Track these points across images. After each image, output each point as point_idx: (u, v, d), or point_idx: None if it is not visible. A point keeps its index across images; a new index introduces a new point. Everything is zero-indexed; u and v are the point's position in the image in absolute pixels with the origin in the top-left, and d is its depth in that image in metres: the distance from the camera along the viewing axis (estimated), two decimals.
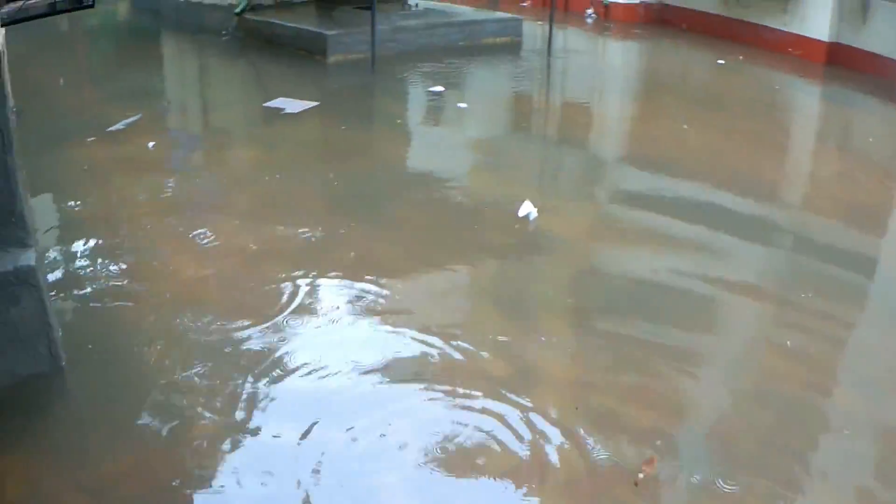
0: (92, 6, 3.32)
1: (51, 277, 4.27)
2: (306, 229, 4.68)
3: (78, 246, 4.66)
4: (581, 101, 8.20)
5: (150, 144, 6.67)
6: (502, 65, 9.65)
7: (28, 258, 3.18)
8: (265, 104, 7.65)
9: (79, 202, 5.51)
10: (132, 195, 5.43)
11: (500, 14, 11.68)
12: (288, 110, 7.36)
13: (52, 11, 3.38)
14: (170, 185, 5.73)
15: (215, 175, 6.07)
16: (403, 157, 6.35)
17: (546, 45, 10.00)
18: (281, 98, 7.74)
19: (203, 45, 12.30)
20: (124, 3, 18.97)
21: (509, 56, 10.05)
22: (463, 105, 7.75)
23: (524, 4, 13.45)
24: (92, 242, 4.65)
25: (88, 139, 7.02)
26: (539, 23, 11.19)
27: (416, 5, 11.31)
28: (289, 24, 10.29)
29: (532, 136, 7.02)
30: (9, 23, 3.30)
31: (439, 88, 8.07)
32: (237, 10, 11.60)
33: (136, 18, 17.43)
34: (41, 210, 5.49)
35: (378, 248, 4.45)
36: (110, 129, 7.22)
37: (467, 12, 11.26)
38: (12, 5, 3.36)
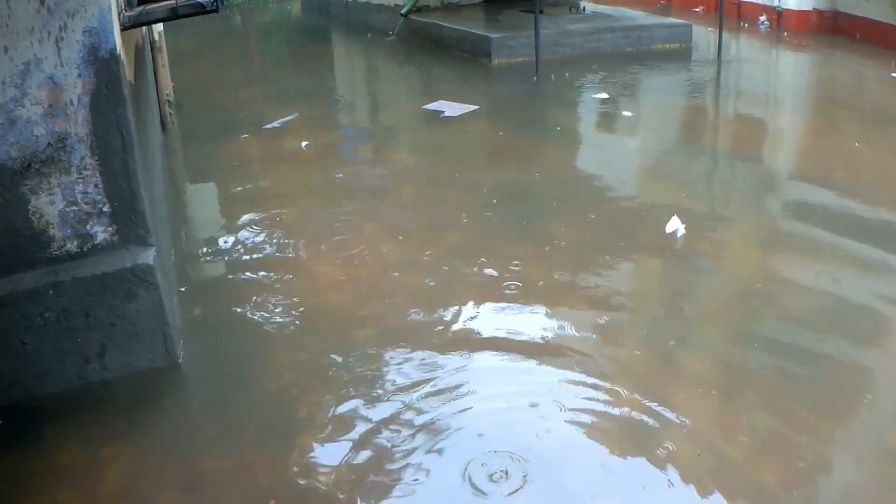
0: (216, 11, 3.30)
1: (187, 270, 4.43)
2: (454, 239, 4.57)
3: (218, 239, 4.81)
4: (749, 113, 7.64)
5: (304, 144, 6.78)
6: (670, 72, 9.20)
7: (147, 256, 3.24)
8: (425, 107, 7.64)
9: (221, 196, 5.74)
10: (276, 193, 5.52)
11: (669, 20, 11.22)
12: (447, 113, 7.29)
13: (174, 16, 3.39)
14: (314, 185, 5.76)
15: (363, 178, 5.99)
16: (559, 166, 6.05)
17: (716, 52, 9.50)
18: (441, 101, 7.70)
19: (369, 44, 12.54)
20: (297, 2, 19.76)
21: (678, 63, 9.59)
22: (628, 113, 7.37)
23: (697, 10, 12.89)
24: (231, 238, 4.76)
25: (243, 136, 7.28)
26: (710, 29, 10.62)
27: (584, 9, 11.05)
28: (453, 27, 10.28)
29: (696, 147, 6.48)
30: (129, 27, 3.34)
31: (604, 95, 7.79)
32: (403, 11, 11.73)
33: (307, 17, 18.09)
34: (186, 202, 5.78)
35: (526, 262, 4.16)
36: (266, 126, 7.45)
37: (636, 17, 10.87)
38: (135, 10, 3.41)
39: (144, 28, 6.99)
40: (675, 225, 4.53)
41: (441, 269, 4.17)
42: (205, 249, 4.77)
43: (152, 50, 7.55)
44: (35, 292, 3.11)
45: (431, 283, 4.01)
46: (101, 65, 3.12)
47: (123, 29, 3.35)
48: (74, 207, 3.19)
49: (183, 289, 4.13)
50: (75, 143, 3.15)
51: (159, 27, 8.58)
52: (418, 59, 10.87)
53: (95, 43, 3.10)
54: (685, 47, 10.03)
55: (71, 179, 3.17)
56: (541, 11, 10.70)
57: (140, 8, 3.43)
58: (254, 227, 4.89)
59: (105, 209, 3.24)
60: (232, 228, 4.94)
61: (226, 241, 4.76)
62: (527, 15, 10.28)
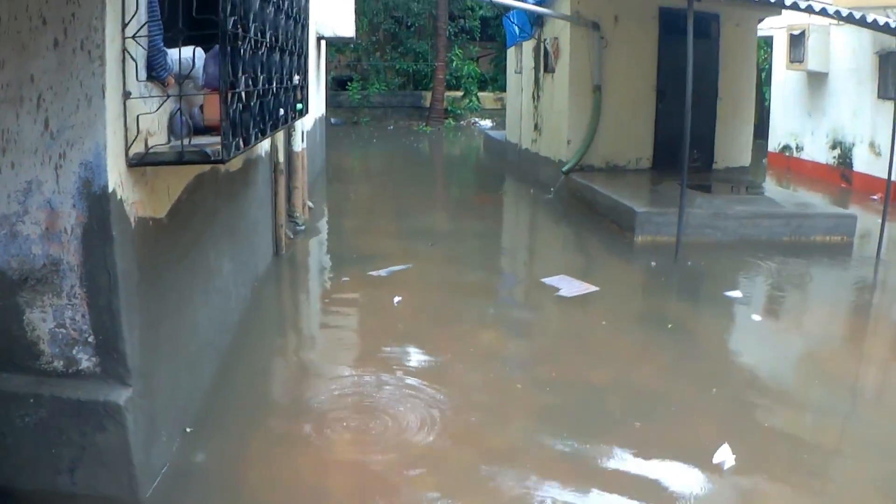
0: (221, 162, 3.36)
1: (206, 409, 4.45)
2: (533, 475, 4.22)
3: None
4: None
5: (396, 300, 6.75)
6: (820, 271, 8.53)
7: (119, 396, 3.34)
8: (543, 280, 7.55)
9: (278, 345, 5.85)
10: (319, 369, 5.54)
11: (834, 209, 10.56)
12: (562, 293, 7.15)
13: (180, 160, 3.46)
14: (380, 354, 5.66)
15: (429, 363, 5.58)
16: (644, 372, 5.46)
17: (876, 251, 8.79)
18: (563, 276, 7.59)
19: (527, 199, 12.77)
20: (482, 139, 20.61)
21: (832, 260, 8.90)
22: (757, 317, 6.86)
23: (874, 197, 12.08)
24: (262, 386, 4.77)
25: (344, 278, 7.47)
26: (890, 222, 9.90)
27: (748, 188, 10.67)
28: (604, 192, 10.23)
29: (823, 378, 5.83)
30: (135, 164, 3.43)
31: (737, 294, 7.35)
32: (564, 168, 11.89)
33: (486, 156, 18.78)
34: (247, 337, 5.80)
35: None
36: (372, 272, 7.58)
37: (801, 203, 10.28)
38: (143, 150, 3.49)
39: (265, 146, 7.24)
40: (723, 455, 4.17)
41: None
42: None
43: (275, 171, 7.88)
44: (18, 395, 3.31)
45: None
46: (94, 200, 3.19)
47: (131, 166, 3.41)
48: (63, 330, 3.33)
49: (189, 430, 4.24)
50: (67, 270, 3.26)
51: (298, 145, 9.08)
52: (565, 224, 10.85)
53: (90, 177, 3.18)
54: (846, 241, 9.36)
55: (62, 303, 3.30)
56: (705, 186, 10.50)
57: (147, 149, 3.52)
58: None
59: (90, 339, 3.35)
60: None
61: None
62: (688, 190, 10.05)
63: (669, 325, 6.51)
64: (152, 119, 3.61)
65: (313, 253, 8.82)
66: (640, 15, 11.90)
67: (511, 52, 16.43)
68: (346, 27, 13.98)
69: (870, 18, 9.09)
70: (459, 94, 26.29)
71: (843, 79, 14.10)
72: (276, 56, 5.14)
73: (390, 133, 24.15)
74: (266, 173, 7.60)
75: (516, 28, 14.93)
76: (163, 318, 3.94)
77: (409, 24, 27.51)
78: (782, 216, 9.41)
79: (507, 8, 14.85)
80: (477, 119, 26.12)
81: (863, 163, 13.44)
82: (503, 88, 21.87)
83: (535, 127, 13.94)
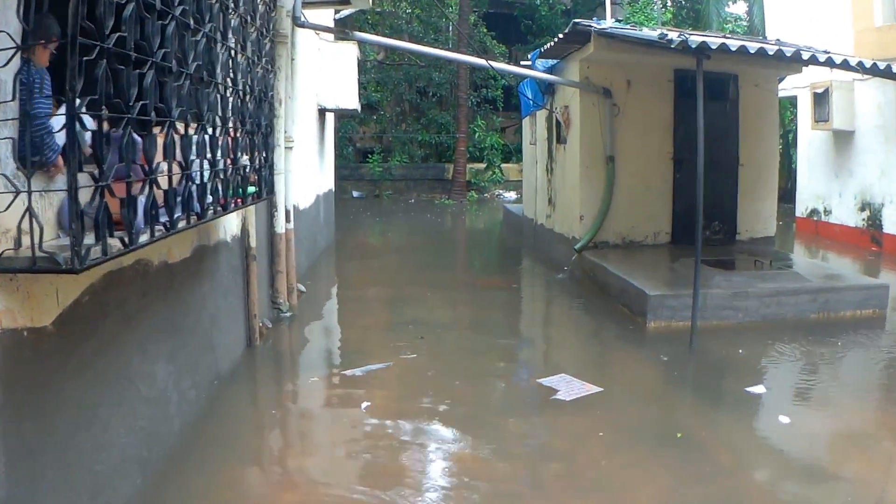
0: (74, 272, 2.83)
1: None
2: None
3: None
4: None
5: (364, 405, 6.15)
6: (853, 352, 7.70)
7: None
8: (540, 380, 6.79)
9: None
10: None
11: (864, 280, 9.71)
12: (560, 396, 6.40)
13: (33, 269, 3.02)
14: (325, 478, 4.94)
15: (374, 499, 4.67)
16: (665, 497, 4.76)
17: None
18: (564, 374, 6.85)
19: (539, 280, 12.07)
20: (501, 213, 20.09)
21: (864, 338, 8.03)
22: (785, 419, 5.91)
23: None
24: None
25: (311, 378, 6.91)
26: None
27: (772, 262, 9.84)
28: (617, 273, 9.49)
29: (868, 485, 5.02)
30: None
31: (760, 390, 6.54)
32: (577, 246, 11.20)
33: (505, 232, 18.18)
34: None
35: None
36: (347, 372, 7.01)
37: (828, 276, 9.45)
38: None
39: (231, 229, 6.91)
40: None
41: None
42: None
43: (246, 257, 7.45)
44: None
45: None
46: None
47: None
48: None
49: None
50: None
51: (281, 226, 8.73)
52: (573, 310, 10.06)
53: None
54: (878, 314, 8.52)
55: None
56: (727, 262, 9.71)
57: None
58: None
59: None
60: None
61: None
62: (707, 268, 9.28)
63: (679, 435, 5.67)
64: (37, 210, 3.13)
65: (290, 346, 8.19)
66: (655, 79, 11.31)
67: (526, 123, 15.93)
68: (349, 99, 13.74)
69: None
70: (482, 166, 25.92)
71: (869, 136, 13.37)
72: (203, 136, 4.66)
73: (411, 206, 23.77)
74: (234, 260, 7.16)
75: (530, 97, 14.43)
76: (47, 445, 3.41)
77: (430, 94, 27.35)
78: (808, 292, 8.60)
79: (521, 77, 14.42)
80: (501, 191, 25.69)
81: (893, 224, 12.62)
82: None
83: (549, 201, 13.31)
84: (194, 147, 4.51)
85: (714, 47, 7.63)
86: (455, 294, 10.84)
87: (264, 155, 6.61)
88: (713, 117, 11.37)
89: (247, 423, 5.98)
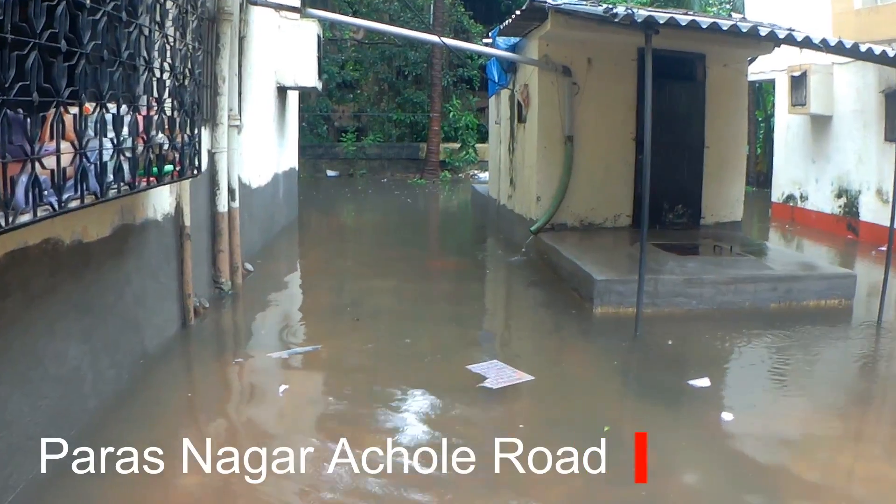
0: None
1: None
2: None
3: None
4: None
5: (282, 389, 5.82)
6: (811, 345, 7.21)
7: None
8: (470, 367, 6.31)
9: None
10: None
11: (830, 268, 9.25)
12: (488, 383, 5.94)
13: None
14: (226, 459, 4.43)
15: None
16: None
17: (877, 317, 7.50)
18: (493, 361, 6.40)
19: (494, 262, 11.62)
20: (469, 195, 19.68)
21: (826, 329, 7.61)
22: (728, 416, 5.49)
23: (882, 249, 10.76)
24: None
25: (237, 359, 6.65)
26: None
27: (731, 249, 9.38)
28: (567, 256, 9.02)
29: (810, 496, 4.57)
30: None
31: (704, 383, 6.09)
32: (532, 228, 10.71)
33: (472, 212, 17.79)
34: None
35: None
36: (274, 354, 6.66)
37: (792, 262, 9.05)
38: None
39: (161, 207, 6.65)
40: None
41: None
42: None
43: (181, 236, 7.09)
44: None
45: None
46: None
47: None
48: None
49: None
50: None
51: (223, 205, 8.51)
52: (523, 294, 9.62)
53: None
54: (844, 304, 8.10)
55: None
56: (687, 247, 9.34)
57: None
58: None
59: None
60: None
61: None
62: (666, 253, 8.87)
63: (606, 428, 5.19)
64: None
65: (224, 326, 7.76)
66: (617, 58, 10.79)
67: (492, 102, 15.43)
68: (308, 77, 13.18)
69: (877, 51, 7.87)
70: (457, 145, 25.42)
71: (847, 122, 12.92)
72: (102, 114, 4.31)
73: (382, 186, 23.27)
74: (166, 238, 6.81)
75: (495, 75, 13.90)
76: None
77: (406, 74, 26.79)
78: (768, 280, 8.15)
79: (487, 56, 13.91)
80: (476, 171, 25.19)
81: (869, 211, 12.21)
82: None
83: (511, 182, 12.83)
84: (91, 126, 4.23)
85: (662, 21, 7.12)
86: (405, 276, 10.33)
87: (188, 133, 6.17)
88: (678, 98, 10.94)
89: (162, 404, 5.59)
